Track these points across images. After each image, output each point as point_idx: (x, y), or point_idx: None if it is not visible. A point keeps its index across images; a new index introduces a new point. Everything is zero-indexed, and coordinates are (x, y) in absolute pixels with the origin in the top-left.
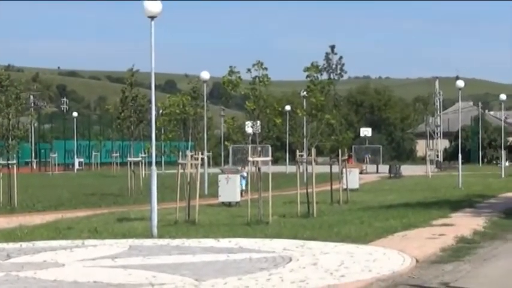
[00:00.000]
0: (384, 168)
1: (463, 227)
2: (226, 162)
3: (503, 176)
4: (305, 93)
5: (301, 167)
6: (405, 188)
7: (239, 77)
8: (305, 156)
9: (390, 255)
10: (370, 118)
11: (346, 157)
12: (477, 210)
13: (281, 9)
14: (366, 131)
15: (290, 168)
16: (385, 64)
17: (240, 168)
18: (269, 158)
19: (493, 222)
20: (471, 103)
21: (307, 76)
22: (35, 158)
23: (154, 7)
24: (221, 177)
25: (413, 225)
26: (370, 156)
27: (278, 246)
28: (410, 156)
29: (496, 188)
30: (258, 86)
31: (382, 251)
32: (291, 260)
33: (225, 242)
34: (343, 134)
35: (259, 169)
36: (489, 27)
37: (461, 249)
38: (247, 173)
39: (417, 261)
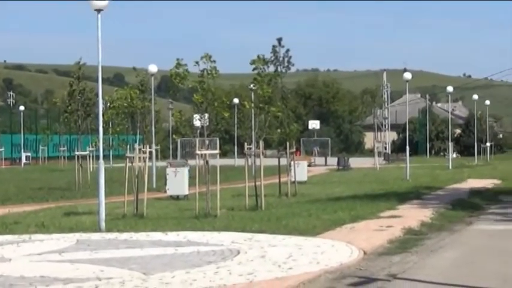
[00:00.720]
0: (332, 161)
1: (410, 219)
2: (174, 155)
3: (450, 167)
4: (252, 85)
5: (249, 159)
6: (353, 180)
7: (187, 70)
8: (253, 149)
9: (338, 247)
10: (319, 111)
11: (293, 150)
12: (424, 201)
13: (229, 1)
14: (314, 124)
15: (238, 161)
16: (334, 57)
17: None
18: (217, 151)
19: (440, 213)
20: (419, 95)
21: (254, 69)
22: None
23: (101, 0)
24: (169, 170)
25: (361, 217)
26: (318, 148)
27: (226, 239)
28: (358, 149)
29: (443, 180)
30: (206, 79)
31: (330, 243)
32: (239, 252)
33: (173, 236)
34: (290, 126)
35: (207, 162)
36: (436, 20)
37: (409, 241)
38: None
39: (365, 253)
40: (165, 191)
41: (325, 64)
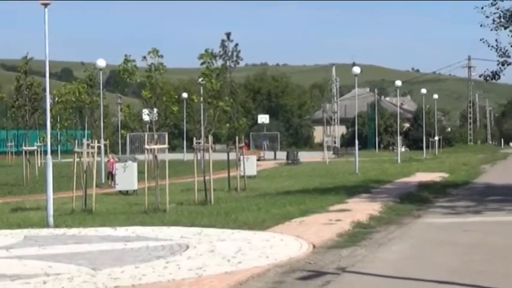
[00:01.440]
0: (282, 155)
1: (359, 213)
2: (123, 150)
3: (399, 161)
4: (201, 80)
5: (198, 154)
6: (303, 174)
7: (135, 66)
8: (202, 143)
9: (287, 241)
10: (268, 105)
11: (242, 144)
12: (373, 195)
13: None
14: (263, 118)
15: (188, 156)
16: (283, 51)
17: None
18: (166, 146)
19: (389, 207)
20: (367, 89)
21: (203, 63)
22: None
23: None
24: (118, 165)
25: (310, 211)
26: (268, 143)
27: (175, 234)
28: (308, 143)
29: (391, 174)
30: (154, 74)
31: (279, 237)
32: (188, 247)
33: (122, 231)
34: (239, 121)
35: (156, 157)
36: (385, 15)
37: (358, 234)
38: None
39: (314, 246)
40: (110, 186)
41: (274, 59)
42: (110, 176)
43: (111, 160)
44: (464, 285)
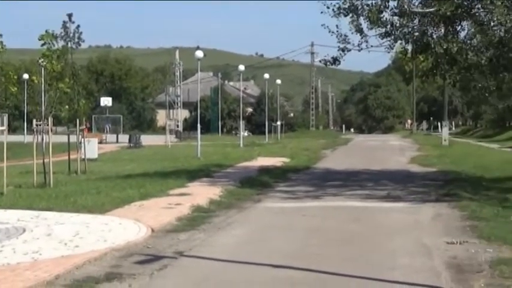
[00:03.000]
0: (124, 138)
1: (199, 197)
2: None
3: (241, 145)
4: (41, 61)
5: (38, 136)
6: (144, 157)
7: None
8: (42, 125)
9: (126, 225)
10: (111, 87)
11: (83, 127)
12: (214, 179)
13: None
14: (106, 101)
15: (28, 138)
16: (126, 33)
17: None
18: (4, 128)
19: (229, 191)
20: (211, 73)
21: (43, 44)
22: None
23: None
24: None
25: (150, 195)
26: (110, 125)
27: (12, 217)
28: (150, 126)
29: (233, 158)
30: None
31: (118, 221)
32: (24, 231)
33: None
34: (79, 103)
35: None
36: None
37: (197, 219)
38: None
39: (153, 230)
40: None
41: (117, 41)
42: None
43: None
44: (299, 269)
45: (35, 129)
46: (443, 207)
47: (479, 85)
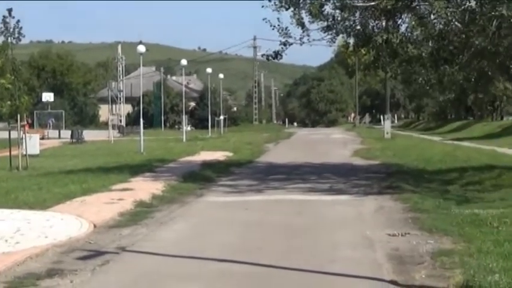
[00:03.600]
0: (67, 134)
1: (142, 192)
2: None
3: (184, 140)
4: None
5: None
6: (87, 153)
7: None
8: None
9: (68, 221)
10: (53, 83)
11: (25, 123)
12: (157, 174)
13: None
14: (48, 96)
15: None
16: (68, 28)
17: None
18: None
19: (172, 186)
20: (154, 68)
21: None
22: None
23: None
24: None
25: (92, 190)
26: (53, 121)
27: None
28: (93, 121)
29: (176, 152)
30: None
31: (60, 217)
32: None
33: None
34: (21, 98)
35: None
36: None
37: (139, 214)
38: None
39: (95, 226)
40: None
41: (59, 36)
42: None
43: None
44: (241, 262)
45: None
46: (385, 200)
47: (421, 79)
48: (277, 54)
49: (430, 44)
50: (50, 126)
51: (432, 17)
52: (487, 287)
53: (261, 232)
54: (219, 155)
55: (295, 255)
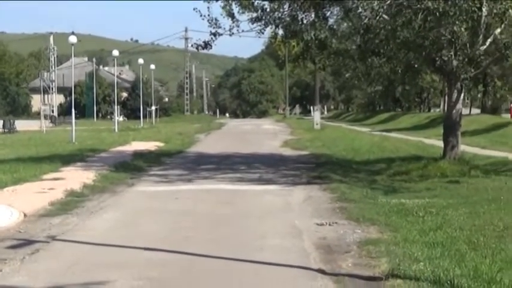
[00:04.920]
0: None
1: (73, 181)
2: None
3: (116, 130)
4: None
5: None
6: (19, 143)
7: None
8: None
9: None
10: None
11: None
12: (89, 164)
13: None
14: None
15: None
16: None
17: None
18: None
19: (103, 175)
20: (86, 59)
21: None
22: None
23: None
24: None
25: (23, 180)
26: None
27: None
28: (25, 111)
29: (108, 143)
30: None
31: None
32: None
33: None
34: None
35: None
36: None
37: (70, 203)
38: None
39: (25, 215)
40: None
41: None
42: None
43: None
44: (169, 251)
45: None
46: (314, 190)
47: (348, 74)
48: (206, 44)
49: (357, 38)
50: None
51: (360, 9)
52: (412, 275)
53: (191, 221)
54: (151, 145)
55: (223, 244)
